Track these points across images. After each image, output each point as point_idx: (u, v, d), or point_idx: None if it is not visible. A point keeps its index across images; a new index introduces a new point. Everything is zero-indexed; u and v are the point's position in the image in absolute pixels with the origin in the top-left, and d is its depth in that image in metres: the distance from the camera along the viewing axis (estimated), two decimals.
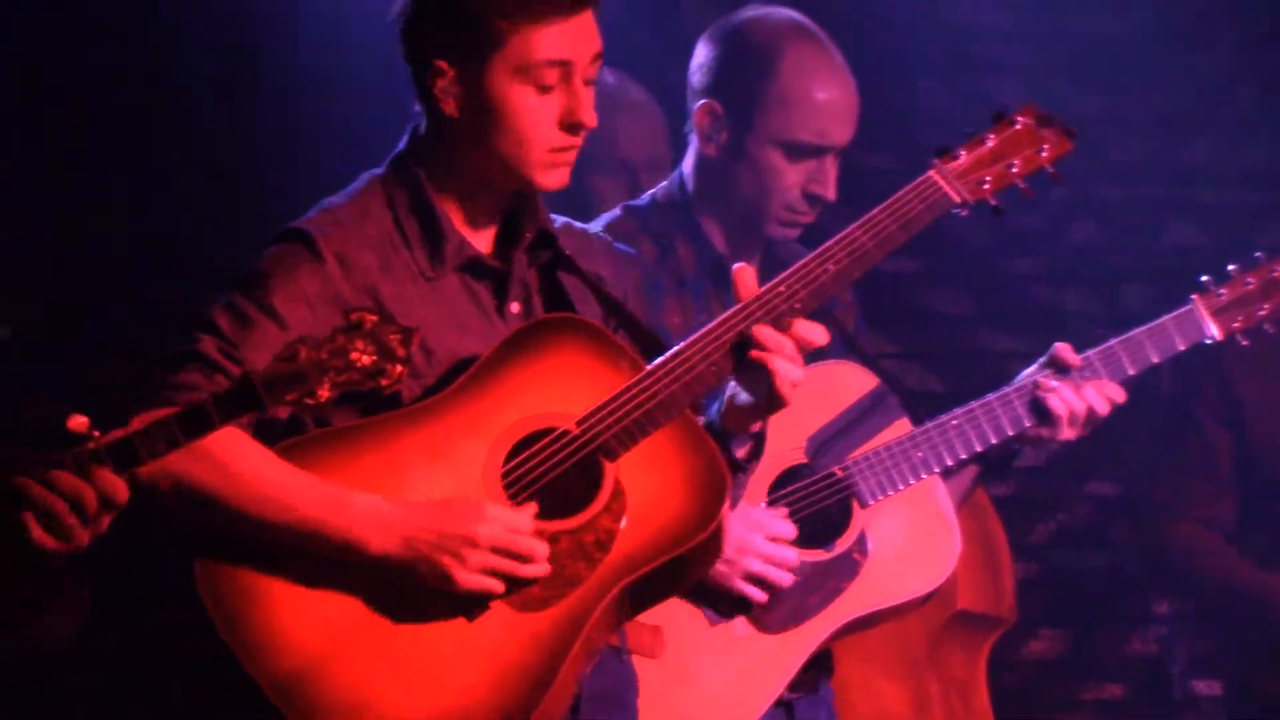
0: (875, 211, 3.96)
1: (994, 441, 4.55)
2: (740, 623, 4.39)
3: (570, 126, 3.83)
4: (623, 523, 3.79)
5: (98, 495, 3.33)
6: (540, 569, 3.72)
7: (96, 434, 3.36)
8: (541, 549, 3.74)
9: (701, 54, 4.69)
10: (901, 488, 4.53)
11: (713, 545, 3.80)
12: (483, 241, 3.92)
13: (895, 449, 4.53)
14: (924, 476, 4.54)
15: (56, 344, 5.61)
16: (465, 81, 3.82)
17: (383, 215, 3.89)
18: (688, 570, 3.84)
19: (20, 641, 3.65)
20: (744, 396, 3.88)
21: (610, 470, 3.81)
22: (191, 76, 5.67)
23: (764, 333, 3.83)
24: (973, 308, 6.47)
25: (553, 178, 3.87)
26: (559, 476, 3.82)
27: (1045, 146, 4.09)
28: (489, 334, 3.89)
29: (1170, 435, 5.51)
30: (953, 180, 4.03)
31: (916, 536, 4.55)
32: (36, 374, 5.44)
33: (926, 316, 6.41)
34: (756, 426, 3.95)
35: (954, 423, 4.54)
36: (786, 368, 3.82)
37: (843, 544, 4.49)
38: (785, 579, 4.32)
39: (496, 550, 3.71)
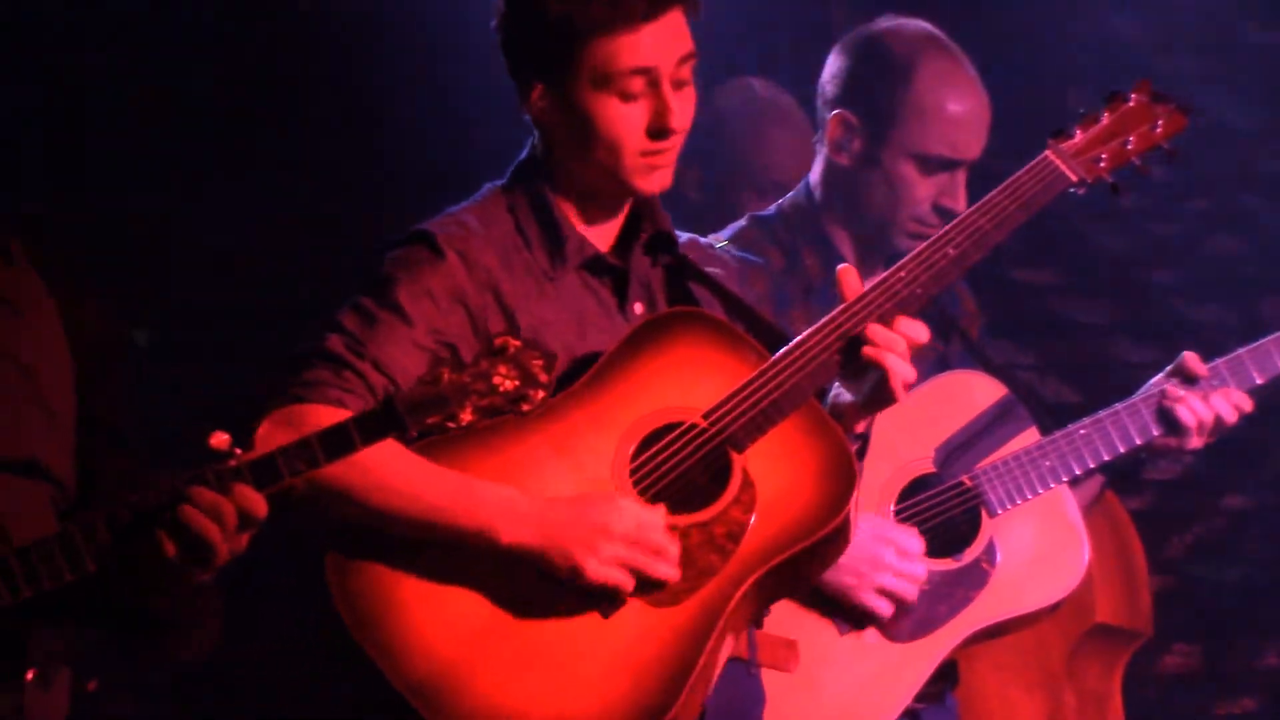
0: (993, 194, 3.97)
1: (1122, 450, 4.55)
2: (869, 632, 4.40)
3: (657, 132, 3.85)
4: (753, 514, 3.79)
5: (238, 512, 3.34)
6: (670, 570, 3.73)
7: (238, 451, 3.37)
8: (673, 548, 3.74)
9: (835, 64, 4.70)
10: (1030, 497, 4.53)
11: (844, 532, 3.81)
12: (603, 243, 3.96)
13: (1023, 458, 4.53)
14: (1052, 485, 4.54)
15: (194, 347, 5.64)
16: (555, 96, 3.87)
17: (504, 219, 3.93)
18: (820, 558, 3.85)
19: (155, 657, 3.66)
20: (848, 396, 3.90)
21: (738, 462, 3.81)
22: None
23: (876, 330, 3.83)
24: (1110, 319, 6.45)
25: (651, 181, 3.89)
26: (688, 470, 3.83)
27: (1160, 122, 4.09)
28: (611, 332, 3.92)
29: None
30: (1069, 159, 4.05)
31: (1045, 546, 4.55)
32: (174, 378, 5.47)
33: (1064, 327, 6.41)
34: (861, 427, 3.96)
35: (1082, 432, 4.54)
36: (899, 364, 3.83)
37: (971, 553, 4.50)
38: (912, 594, 4.33)
39: (629, 544, 3.72)
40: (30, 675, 3.45)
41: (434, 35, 5.42)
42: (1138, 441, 4.55)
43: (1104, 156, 4.04)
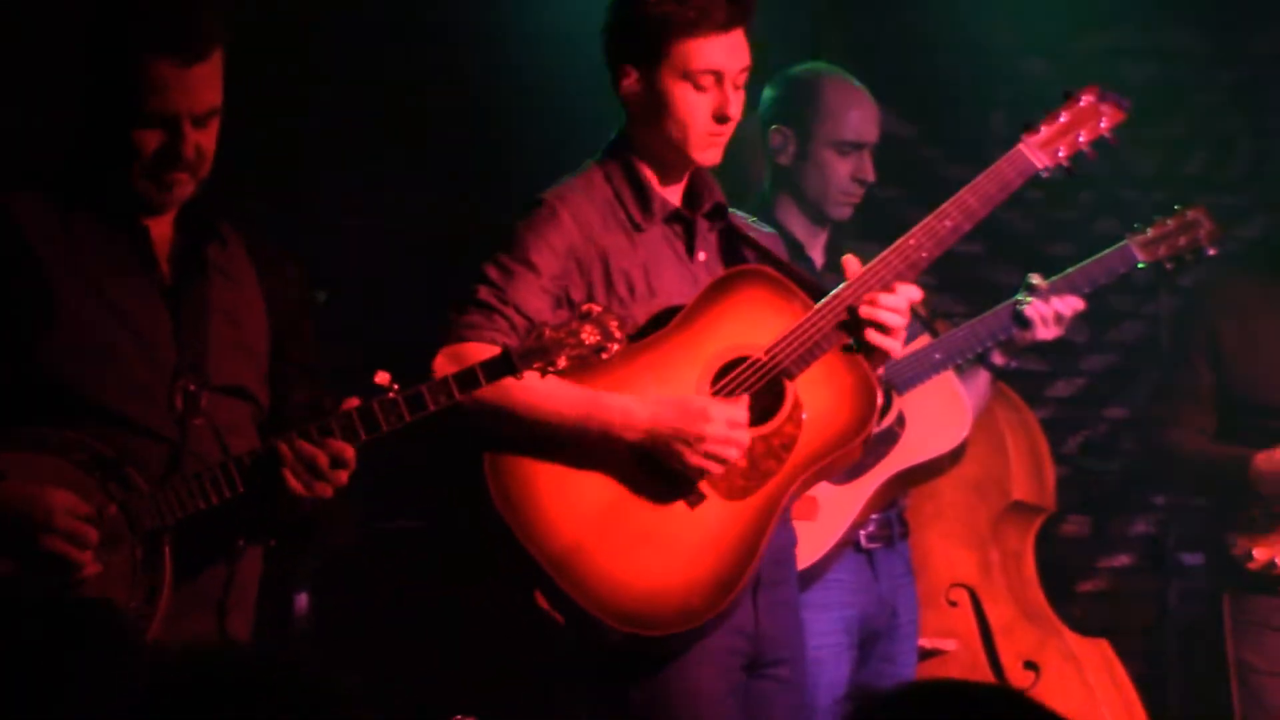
0: (978, 179, 3.97)
1: (989, 344, 4.66)
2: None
3: (719, 118, 3.81)
4: (801, 429, 3.78)
5: (330, 458, 3.36)
6: (735, 453, 3.71)
7: (396, 386, 3.40)
8: (744, 437, 3.73)
9: (767, 96, 4.80)
10: (926, 380, 4.62)
11: (869, 440, 3.83)
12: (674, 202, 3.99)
13: (920, 354, 4.62)
14: (942, 371, 4.63)
15: (358, 304, 5.64)
16: (644, 81, 3.83)
17: (603, 185, 3.89)
18: (847, 461, 3.88)
19: (309, 543, 3.68)
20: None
21: (790, 388, 3.80)
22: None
23: (880, 297, 3.81)
24: (1021, 279, 6.39)
25: (708, 155, 3.86)
26: (753, 393, 3.79)
27: (1104, 118, 4.09)
28: (684, 274, 3.89)
29: (1168, 370, 5.48)
30: (1036, 151, 4.01)
31: (939, 413, 4.64)
32: (343, 327, 5.45)
33: (987, 286, 6.35)
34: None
35: (960, 333, 4.66)
36: (894, 318, 3.82)
37: (887, 421, 4.56)
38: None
39: (719, 440, 3.70)
40: (240, 542, 3.48)
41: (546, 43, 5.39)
42: (1001, 337, 4.67)
43: (1062, 148, 4.05)
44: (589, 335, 3.49)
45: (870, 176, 4.69)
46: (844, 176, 4.66)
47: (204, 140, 3.40)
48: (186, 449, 3.38)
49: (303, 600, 4.90)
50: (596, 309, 3.52)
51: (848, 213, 4.72)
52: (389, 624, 5.28)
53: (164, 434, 3.38)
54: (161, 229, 3.48)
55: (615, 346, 3.51)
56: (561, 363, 3.47)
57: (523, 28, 5.50)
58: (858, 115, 4.69)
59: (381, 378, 3.39)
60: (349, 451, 3.36)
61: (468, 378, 3.44)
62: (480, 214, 5.04)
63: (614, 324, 3.51)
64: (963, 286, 6.29)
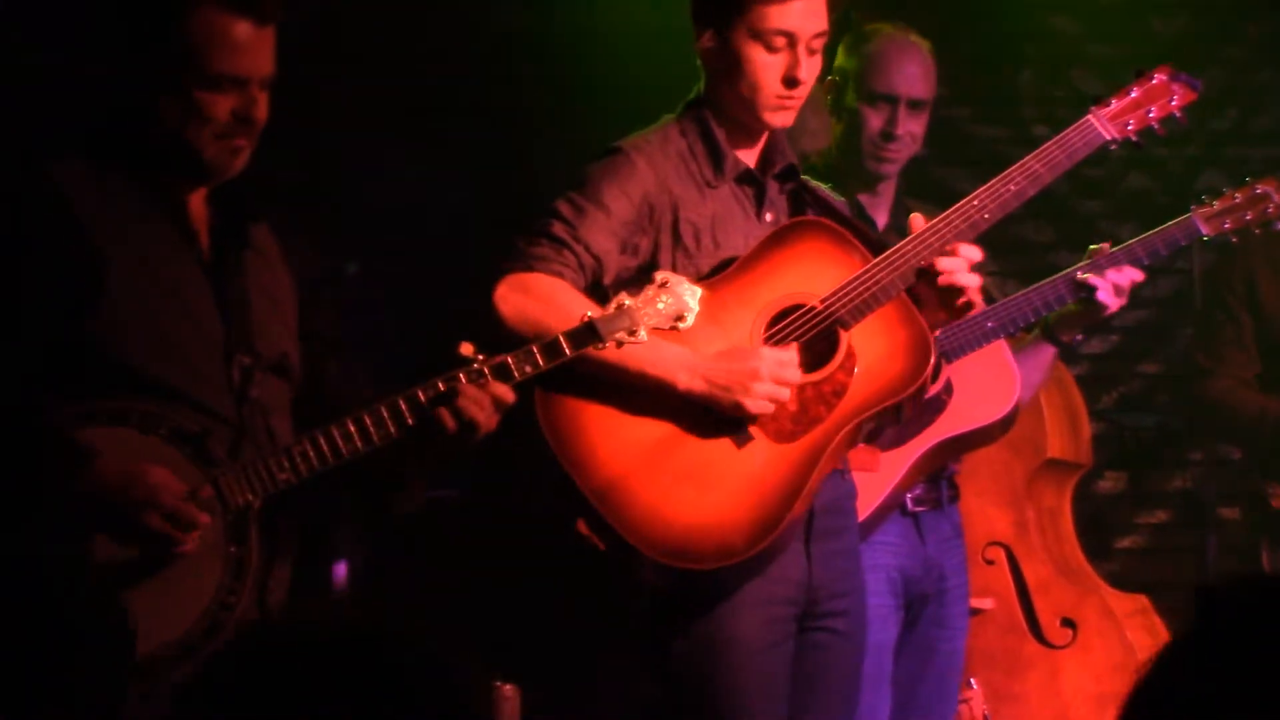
0: (1046, 145, 3.93)
1: (1044, 313, 4.48)
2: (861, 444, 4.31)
3: (788, 81, 3.77)
4: (853, 377, 3.76)
5: (492, 400, 3.36)
6: (787, 395, 3.69)
7: (481, 357, 3.38)
8: (795, 376, 3.71)
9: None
10: (977, 348, 4.49)
11: (919, 396, 3.79)
12: (748, 164, 3.92)
13: (973, 320, 4.46)
14: (993, 340, 4.51)
15: (389, 275, 5.65)
16: (720, 42, 3.79)
17: (678, 140, 3.86)
18: (899, 412, 3.82)
19: (382, 511, 3.67)
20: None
21: (844, 337, 3.77)
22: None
23: (944, 261, 3.77)
24: (1053, 237, 6.40)
25: (778, 118, 3.82)
26: (806, 340, 3.78)
27: (1175, 97, 4.04)
28: (750, 232, 3.86)
29: (1208, 319, 5.43)
30: (1105, 122, 3.99)
31: (987, 381, 4.52)
32: (376, 298, 5.47)
33: (1021, 244, 6.35)
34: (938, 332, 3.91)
35: (1014, 301, 4.50)
36: (968, 278, 3.79)
37: (935, 388, 4.38)
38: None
39: (772, 380, 3.69)
40: (279, 520, 3.43)
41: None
42: (1055, 306, 4.49)
43: (1131, 121, 4.01)
44: (668, 305, 3.49)
45: (896, 131, 4.49)
46: (874, 129, 4.51)
47: (265, 107, 3.34)
48: (242, 425, 3.34)
49: (341, 570, 4.92)
50: (673, 277, 3.50)
51: (887, 169, 4.55)
52: (428, 591, 5.31)
53: (219, 409, 3.34)
54: (197, 204, 3.42)
55: (690, 315, 3.49)
56: (642, 334, 3.46)
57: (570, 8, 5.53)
58: (894, 66, 4.53)
59: (466, 349, 3.36)
60: (509, 394, 3.37)
61: (553, 347, 3.43)
62: (514, 189, 5.06)
63: (690, 293, 3.50)
64: (992, 243, 6.25)
